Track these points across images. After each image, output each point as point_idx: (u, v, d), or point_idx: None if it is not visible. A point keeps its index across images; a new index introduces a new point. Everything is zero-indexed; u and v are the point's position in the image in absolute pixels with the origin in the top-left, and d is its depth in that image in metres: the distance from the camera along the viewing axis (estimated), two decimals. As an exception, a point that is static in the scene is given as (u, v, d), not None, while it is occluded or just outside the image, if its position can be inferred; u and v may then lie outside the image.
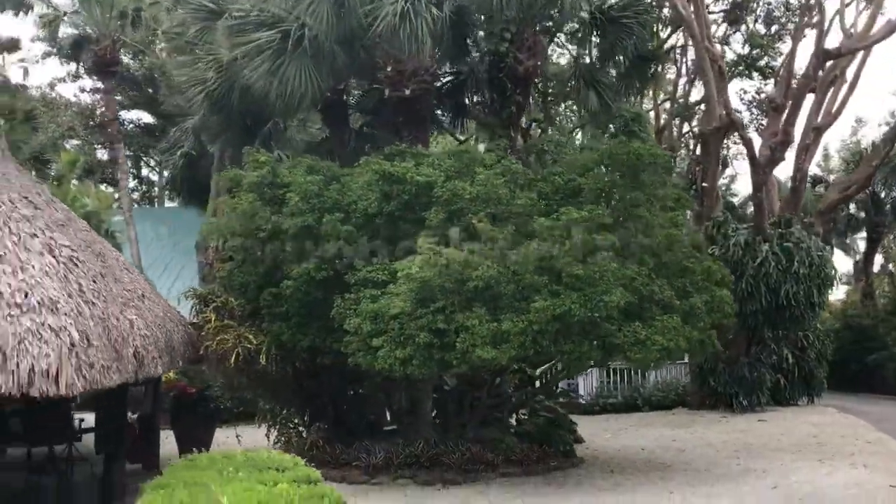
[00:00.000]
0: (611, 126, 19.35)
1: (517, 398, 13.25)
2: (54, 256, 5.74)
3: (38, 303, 5.21)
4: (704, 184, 18.07)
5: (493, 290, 9.73)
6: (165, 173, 39.64)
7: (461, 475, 11.31)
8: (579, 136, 25.19)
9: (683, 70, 25.69)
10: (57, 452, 11.93)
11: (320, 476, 5.98)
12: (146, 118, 36.38)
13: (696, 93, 26.07)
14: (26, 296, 5.21)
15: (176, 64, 17.37)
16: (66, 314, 5.27)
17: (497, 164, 10.98)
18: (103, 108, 33.32)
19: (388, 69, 12.69)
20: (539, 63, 14.72)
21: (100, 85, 31.81)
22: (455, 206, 10.42)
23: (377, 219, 11.06)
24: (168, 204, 39.35)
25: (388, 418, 14.83)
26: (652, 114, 25.93)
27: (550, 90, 20.24)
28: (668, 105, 26.92)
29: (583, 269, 9.70)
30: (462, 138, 19.28)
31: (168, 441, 14.02)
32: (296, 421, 13.34)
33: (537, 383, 14.11)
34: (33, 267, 5.41)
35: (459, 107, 16.56)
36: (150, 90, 32.16)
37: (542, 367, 15.63)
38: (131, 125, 36.83)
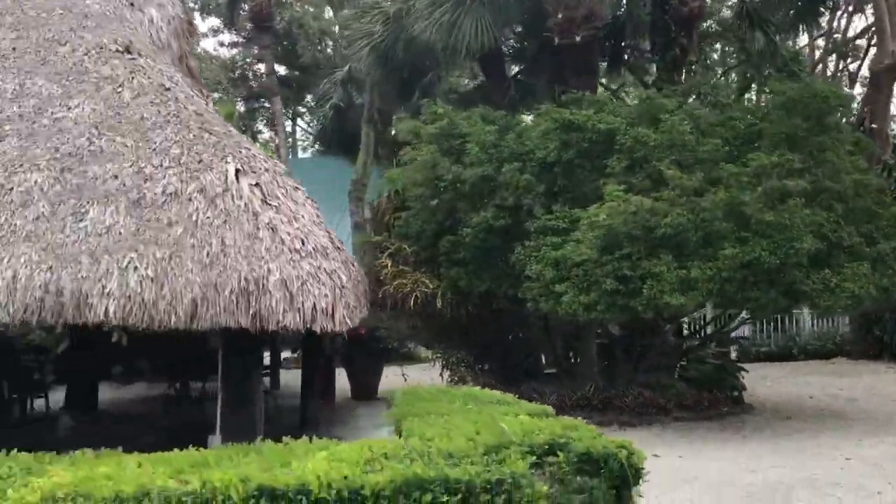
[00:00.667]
0: (762, 66, 18.62)
1: (688, 344, 13.33)
2: (310, 206, 6.29)
3: (314, 248, 5.75)
4: (873, 125, 17.23)
5: (681, 236, 9.79)
6: (302, 124, 41.05)
7: (635, 418, 11.55)
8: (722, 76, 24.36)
9: (840, 3, 24.20)
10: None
11: (552, 409, 6.27)
12: (281, 70, 37.56)
13: (853, 28, 24.64)
14: (303, 242, 5.75)
15: (342, 18, 17.89)
16: (333, 258, 5.81)
17: (678, 109, 10.91)
18: (243, 62, 34.71)
19: (559, 16, 12.70)
20: (704, 4, 14.33)
21: (238, 39, 33.12)
22: (638, 153, 10.47)
23: (555, 167, 11.25)
24: (301, 154, 40.70)
25: (544, 362, 15.26)
26: (806, 51, 24.70)
27: (707, 31, 19.63)
28: (821, 42, 25.56)
29: (773, 216, 9.61)
30: (614, 86, 19.03)
31: (338, 378, 14.91)
32: (466, 362, 13.87)
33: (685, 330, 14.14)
34: (303, 217, 5.96)
35: (616, 52, 16.36)
36: (286, 43, 33.18)
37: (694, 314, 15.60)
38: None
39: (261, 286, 5.48)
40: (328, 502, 3.88)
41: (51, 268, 5.37)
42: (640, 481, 4.80)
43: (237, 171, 6.06)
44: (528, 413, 6.32)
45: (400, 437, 5.56)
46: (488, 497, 4.00)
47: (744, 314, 14.30)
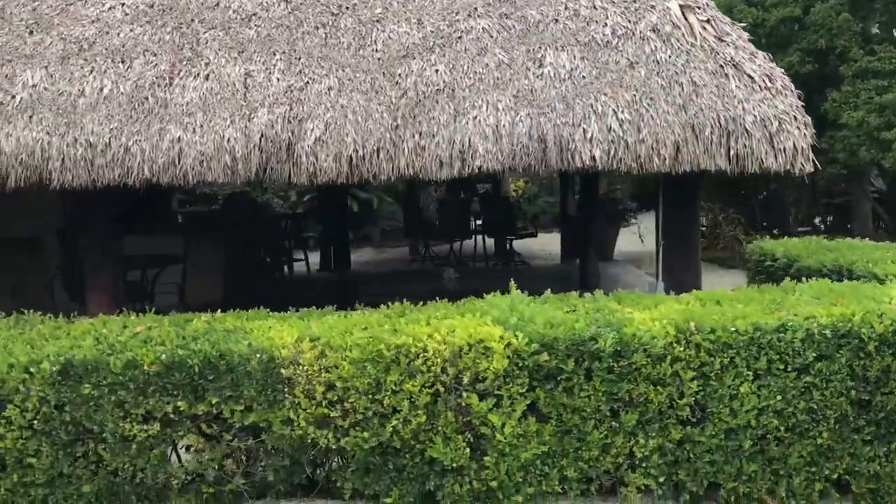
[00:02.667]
0: None
1: None
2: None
3: (782, 86, 5.46)
4: None
5: None
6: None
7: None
8: None
9: None
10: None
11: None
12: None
13: None
14: (770, 79, 5.45)
15: None
16: (796, 96, 5.51)
17: None
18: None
19: None
20: None
21: None
22: None
23: (874, 2, 10.30)
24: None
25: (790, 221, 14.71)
26: None
27: None
28: None
29: None
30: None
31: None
32: (731, 219, 13.43)
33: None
34: (758, 53, 5.65)
35: None
36: None
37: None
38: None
39: (739, 126, 5.26)
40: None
41: (528, 114, 5.32)
42: None
43: (681, 7, 5.74)
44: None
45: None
46: None
47: None
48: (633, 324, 3.89)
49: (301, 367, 3.88)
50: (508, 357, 3.78)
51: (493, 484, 3.82)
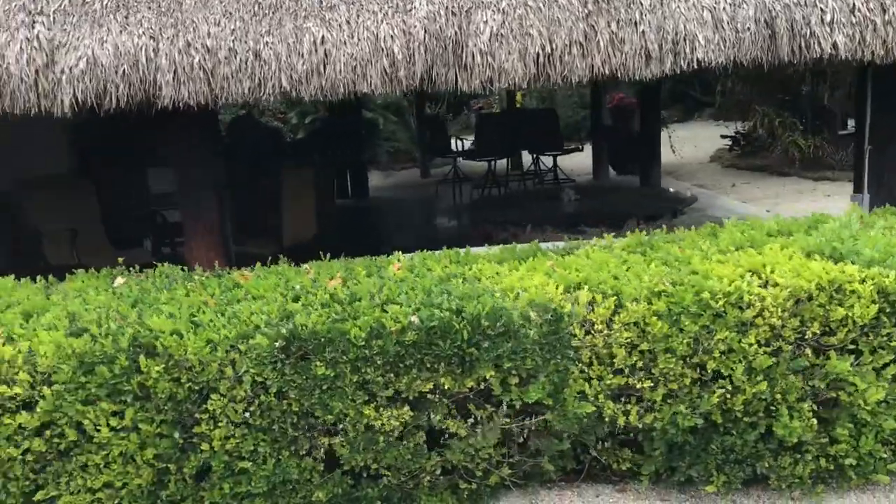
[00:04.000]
0: None
1: None
2: None
3: None
4: None
5: None
6: None
7: None
8: None
9: None
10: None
11: None
12: None
13: None
14: None
15: None
16: None
17: None
18: None
19: None
20: None
21: None
22: None
23: None
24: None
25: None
26: None
27: None
28: None
29: None
30: None
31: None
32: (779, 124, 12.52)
33: None
34: None
35: None
36: None
37: None
38: None
39: None
40: None
41: (749, -9, 4.34)
42: None
43: None
44: None
45: None
46: None
47: None
48: None
49: (595, 326, 2.95)
50: (874, 301, 2.90)
51: (848, 462, 2.99)
